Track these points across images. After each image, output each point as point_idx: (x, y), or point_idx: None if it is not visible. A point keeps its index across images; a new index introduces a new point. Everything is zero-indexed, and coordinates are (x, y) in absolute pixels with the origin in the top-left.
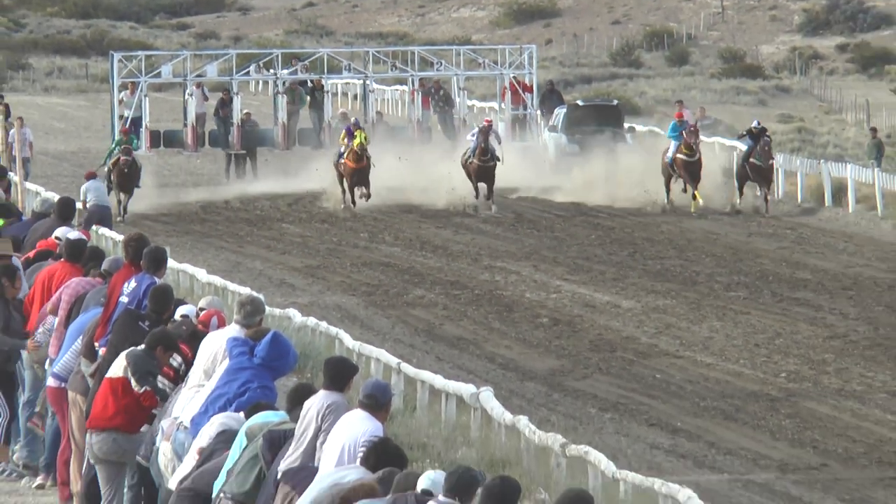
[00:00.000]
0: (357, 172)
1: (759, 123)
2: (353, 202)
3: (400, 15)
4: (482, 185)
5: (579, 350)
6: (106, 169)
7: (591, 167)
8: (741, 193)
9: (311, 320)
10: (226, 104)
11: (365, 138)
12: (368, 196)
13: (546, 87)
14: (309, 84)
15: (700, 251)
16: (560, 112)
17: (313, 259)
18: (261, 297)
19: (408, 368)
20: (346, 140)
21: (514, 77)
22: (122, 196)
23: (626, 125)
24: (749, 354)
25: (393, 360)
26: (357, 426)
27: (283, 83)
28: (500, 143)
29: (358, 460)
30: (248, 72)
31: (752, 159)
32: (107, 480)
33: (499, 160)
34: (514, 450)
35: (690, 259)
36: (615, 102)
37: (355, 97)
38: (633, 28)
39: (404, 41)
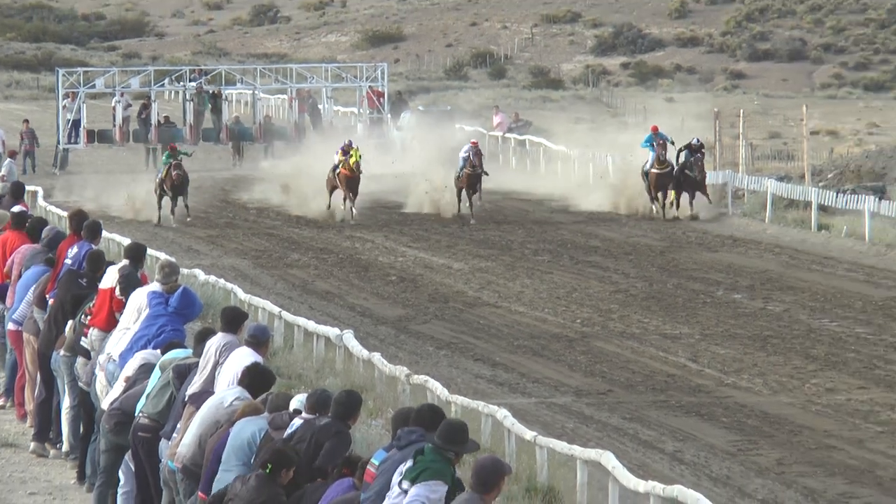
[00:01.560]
0: (351, 181)
1: (697, 140)
2: (342, 207)
3: (281, 39)
4: (470, 192)
5: (420, 301)
6: (158, 178)
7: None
8: (677, 201)
9: (212, 278)
10: (146, 109)
11: (359, 157)
12: (353, 204)
13: (395, 96)
14: (210, 93)
15: (514, 224)
16: (405, 115)
17: (213, 230)
18: (174, 260)
19: (287, 315)
20: (341, 156)
21: (370, 87)
22: (173, 201)
23: (456, 125)
24: (552, 305)
25: (275, 309)
26: (243, 359)
27: (191, 92)
28: (482, 157)
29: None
30: (164, 84)
31: (686, 171)
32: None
33: (486, 174)
34: (370, 379)
35: (506, 231)
36: (448, 108)
37: (247, 104)
38: (462, 50)
39: (284, 60)
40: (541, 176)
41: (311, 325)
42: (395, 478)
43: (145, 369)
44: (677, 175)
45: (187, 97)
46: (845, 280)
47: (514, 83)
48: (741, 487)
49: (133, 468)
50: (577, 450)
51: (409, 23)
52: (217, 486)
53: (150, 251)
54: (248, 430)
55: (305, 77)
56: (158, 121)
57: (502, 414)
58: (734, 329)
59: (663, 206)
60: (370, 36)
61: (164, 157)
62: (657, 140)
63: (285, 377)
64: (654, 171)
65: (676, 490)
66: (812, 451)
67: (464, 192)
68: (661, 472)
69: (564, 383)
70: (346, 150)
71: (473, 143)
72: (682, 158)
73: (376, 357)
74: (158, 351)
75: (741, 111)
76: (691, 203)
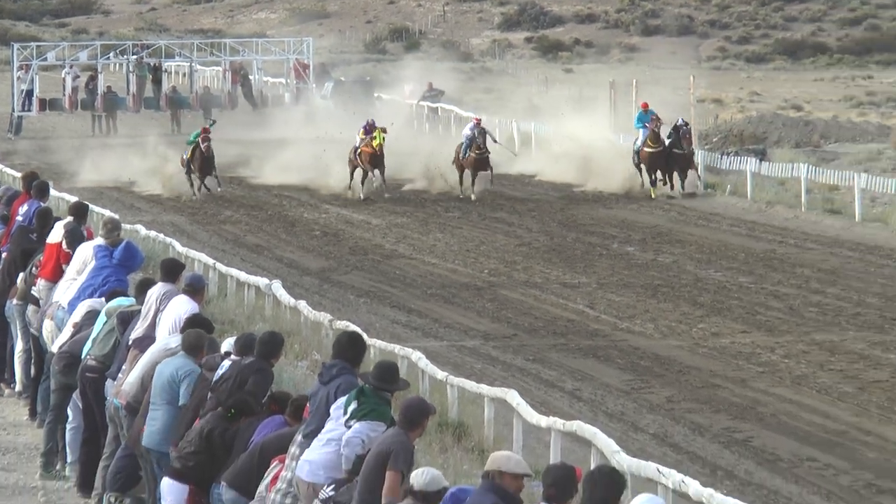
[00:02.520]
0: (374, 157)
1: (682, 120)
2: (363, 183)
3: (216, 16)
4: (481, 174)
5: (342, 254)
6: (185, 156)
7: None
8: (670, 181)
9: (153, 233)
10: (93, 80)
11: (384, 139)
12: (384, 181)
13: (319, 68)
14: (151, 65)
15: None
16: (329, 85)
17: (154, 190)
18: (117, 216)
19: (220, 266)
20: (363, 135)
21: (297, 60)
22: (199, 178)
23: (375, 94)
24: (462, 257)
25: (210, 261)
26: (181, 306)
27: (133, 64)
28: (495, 141)
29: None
30: (109, 57)
31: (674, 150)
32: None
33: (489, 152)
34: (296, 324)
35: (421, 190)
36: (368, 78)
37: (184, 75)
38: (381, 26)
39: (219, 35)
40: (452, 140)
41: (242, 275)
42: (334, 412)
43: (91, 316)
44: (666, 155)
45: (130, 69)
46: (729, 234)
47: (428, 56)
48: (634, 423)
49: (81, 406)
50: (484, 388)
51: (333, 1)
52: (149, 423)
53: (95, 208)
54: (167, 370)
55: (238, 51)
56: (104, 90)
57: (417, 356)
58: (628, 279)
59: (654, 185)
60: (297, 13)
61: (191, 136)
62: (650, 117)
63: (219, 323)
64: (646, 149)
65: (575, 425)
66: (699, 390)
67: (466, 172)
68: (562, 408)
69: (473, 328)
70: (369, 130)
71: (477, 120)
72: (669, 139)
73: (302, 304)
74: (103, 299)
75: (634, 81)
76: (683, 182)
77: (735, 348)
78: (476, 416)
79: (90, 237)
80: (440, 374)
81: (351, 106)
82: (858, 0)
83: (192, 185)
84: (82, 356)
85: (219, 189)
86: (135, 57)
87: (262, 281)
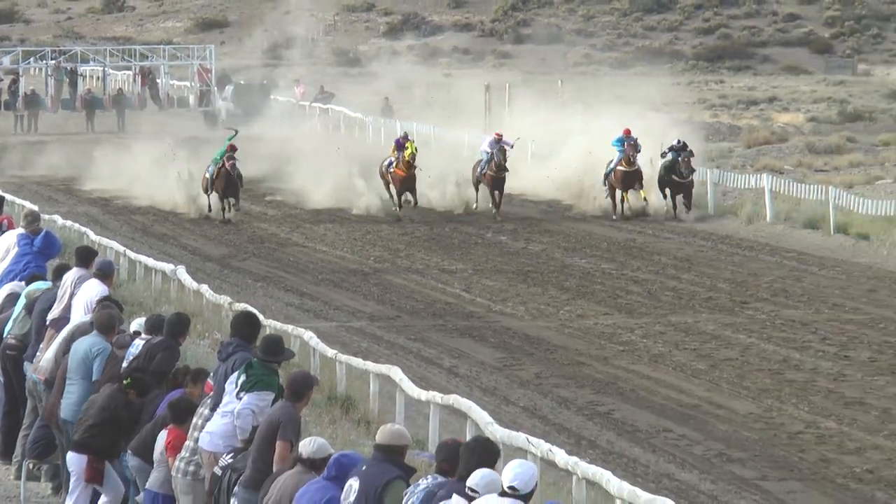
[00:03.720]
0: (406, 181)
1: (679, 141)
2: (400, 206)
3: (127, 25)
4: (496, 193)
5: (241, 242)
6: (208, 174)
7: (251, 123)
8: (674, 202)
9: (69, 222)
10: (15, 83)
11: (415, 149)
12: (415, 203)
13: (220, 73)
14: (68, 69)
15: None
16: (229, 88)
17: (71, 184)
18: (37, 208)
19: (130, 253)
20: (395, 152)
21: (200, 65)
22: (222, 201)
23: (271, 96)
24: (350, 245)
25: (121, 248)
26: (93, 289)
27: (52, 68)
28: (511, 146)
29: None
30: (30, 62)
31: (674, 176)
32: None
33: (507, 170)
34: (199, 306)
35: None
36: (265, 82)
37: (98, 78)
38: (277, 34)
39: (130, 42)
40: (340, 138)
41: (150, 261)
42: (229, 387)
43: (12, 298)
44: (663, 177)
45: (49, 73)
46: (594, 225)
47: (320, 61)
48: (506, 396)
49: (2, 380)
50: (370, 365)
51: (233, 11)
52: (66, 397)
53: (17, 200)
54: (82, 347)
55: (147, 56)
56: (25, 92)
57: (308, 335)
58: (501, 265)
59: (622, 203)
60: (200, 22)
61: (217, 154)
62: (628, 142)
63: (129, 305)
64: (620, 168)
65: (452, 399)
66: (565, 367)
67: (482, 187)
68: (440, 383)
69: (360, 310)
70: (402, 144)
71: (498, 135)
72: (667, 159)
73: (204, 288)
74: (24, 283)
75: (507, 84)
76: (675, 205)
77: (598, 329)
78: (362, 391)
79: (11, 226)
80: (330, 352)
81: (249, 107)
82: (712, 11)
83: (209, 204)
84: (3, 335)
85: (231, 212)
86: (53, 62)
87: (167, 266)
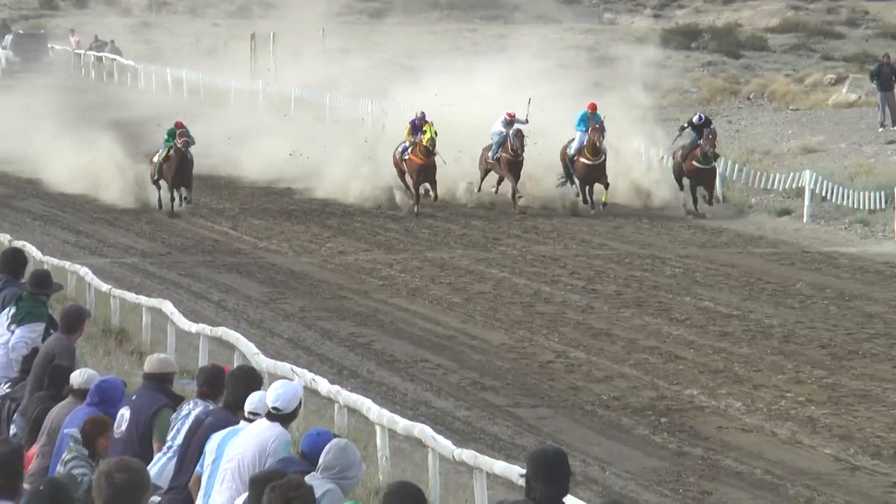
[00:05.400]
0: (423, 169)
1: (701, 116)
2: (418, 200)
3: None
4: (511, 178)
5: (20, 184)
6: (157, 160)
7: (30, 72)
8: (693, 195)
9: None
10: None
11: (434, 133)
12: (435, 196)
13: (0, 23)
14: None
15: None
16: (8, 37)
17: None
18: None
19: None
20: (410, 135)
21: None
22: (171, 190)
23: (49, 45)
24: None
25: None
26: None
27: None
28: (525, 122)
29: None
30: None
31: (694, 162)
32: None
33: (523, 156)
34: None
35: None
36: (42, 31)
37: None
38: None
39: None
40: (114, 85)
41: None
42: (2, 319)
43: None
44: (678, 163)
45: None
46: None
47: (94, 12)
48: (272, 329)
49: None
50: (142, 299)
51: None
52: None
53: None
54: None
55: None
56: None
57: (84, 271)
58: (266, 204)
59: (590, 200)
60: None
61: (165, 136)
62: (593, 123)
63: None
64: (582, 160)
65: (221, 331)
66: (328, 301)
67: (492, 174)
68: (209, 316)
69: (133, 247)
70: (419, 126)
71: (510, 115)
72: (684, 138)
73: None
74: None
75: (272, 33)
76: (695, 199)
77: (359, 264)
78: (135, 324)
79: None
80: (104, 287)
81: (27, 55)
82: None
83: (159, 197)
84: None
85: (184, 204)
86: None
87: None
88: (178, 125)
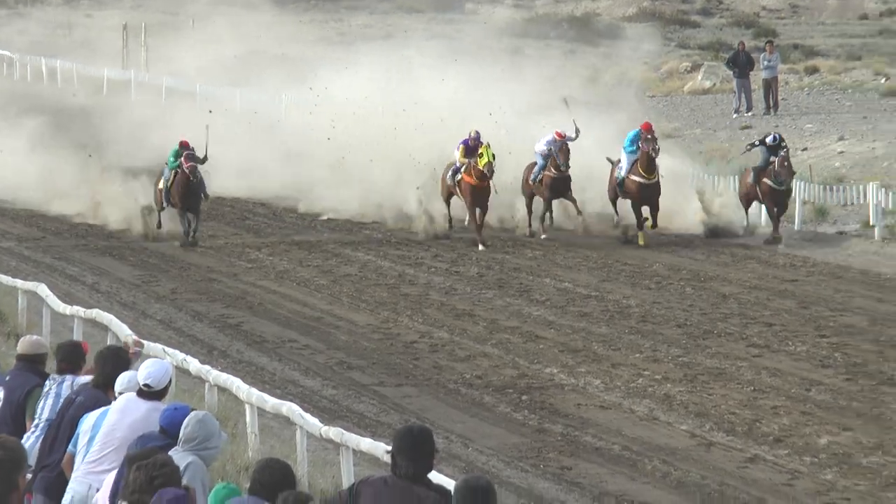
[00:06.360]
0: (478, 193)
1: (776, 137)
2: (480, 227)
3: None
4: (554, 197)
5: None
6: (163, 185)
7: None
8: (771, 215)
9: None
10: None
11: (492, 157)
12: (480, 225)
13: None
14: None
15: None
16: None
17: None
18: None
19: None
20: (463, 156)
21: None
22: (181, 216)
23: None
24: None
25: None
26: None
27: None
28: (575, 138)
29: None
30: None
31: (765, 179)
32: None
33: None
34: None
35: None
36: None
37: None
38: None
39: None
40: None
41: None
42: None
43: None
44: (752, 186)
45: None
46: None
47: None
48: (144, 310)
49: None
50: (18, 282)
51: None
52: None
53: None
54: None
55: None
56: None
57: None
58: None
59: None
60: None
61: (170, 158)
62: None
63: None
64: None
65: (94, 312)
66: (198, 283)
67: (537, 197)
68: (84, 299)
69: (8, 231)
70: (473, 147)
71: (559, 135)
72: (756, 160)
73: None
74: None
75: (143, 24)
76: (776, 222)
77: (229, 248)
78: (11, 306)
79: None
80: None
81: None
82: None
83: (159, 220)
84: None
85: (193, 235)
86: None
87: None
88: (184, 144)
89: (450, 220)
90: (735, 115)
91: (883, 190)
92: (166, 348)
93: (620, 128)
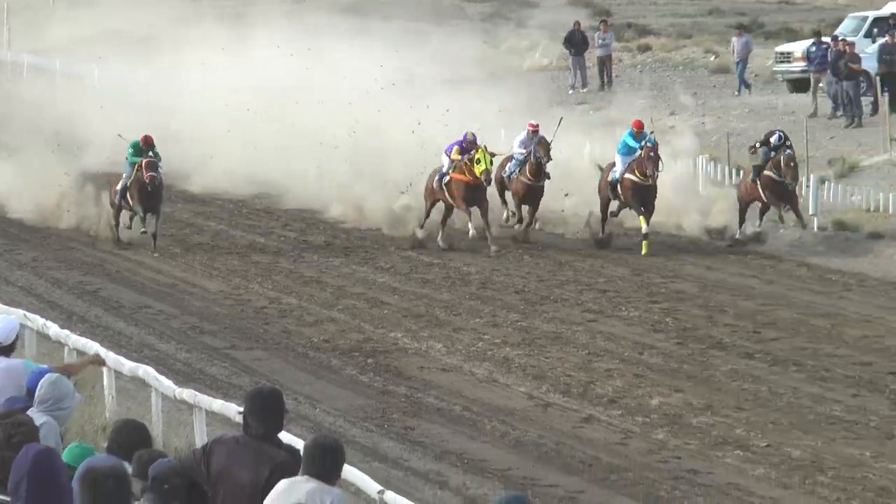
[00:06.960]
0: (473, 190)
1: (781, 135)
2: (489, 232)
3: None
4: (527, 205)
5: None
6: (121, 184)
7: None
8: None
9: None
10: None
11: (489, 163)
12: (487, 226)
13: None
14: None
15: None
16: None
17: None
18: None
19: None
20: (457, 155)
21: None
22: (143, 219)
23: None
24: None
25: None
26: None
27: None
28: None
29: None
30: None
31: (766, 171)
32: None
33: (548, 177)
34: None
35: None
36: None
37: None
38: None
39: None
40: None
41: None
42: None
43: None
44: (751, 182)
45: None
46: None
47: None
48: (6, 278)
49: None
50: None
51: None
52: None
53: None
54: None
55: None
56: None
57: None
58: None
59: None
60: None
61: (129, 154)
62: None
63: None
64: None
65: None
66: (58, 252)
67: (508, 196)
68: None
69: None
70: (467, 149)
71: (532, 127)
72: (758, 158)
73: None
74: None
75: (6, 3)
76: (799, 217)
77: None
78: None
79: None
80: None
81: None
82: None
83: (116, 224)
84: None
85: (151, 237)
86: None
87: None
88: (147, 141)
89: (422, 224)
90: (571, 91)
91: (713, 163)
92: (27, 314)
93: (503, 103)
